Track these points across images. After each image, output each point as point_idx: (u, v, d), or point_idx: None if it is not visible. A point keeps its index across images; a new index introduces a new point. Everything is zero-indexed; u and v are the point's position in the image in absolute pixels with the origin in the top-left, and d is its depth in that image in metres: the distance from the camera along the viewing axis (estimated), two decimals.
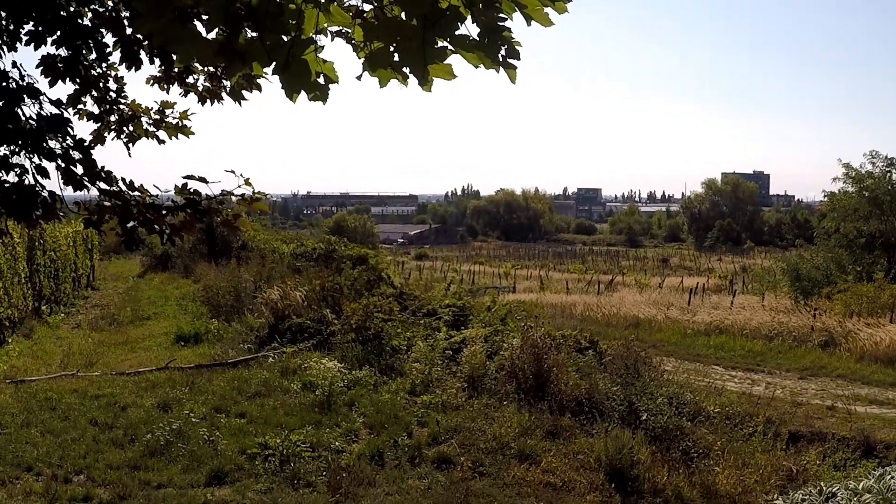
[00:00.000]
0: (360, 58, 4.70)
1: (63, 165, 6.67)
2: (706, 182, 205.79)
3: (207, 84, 9.73)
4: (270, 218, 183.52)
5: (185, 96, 9.80)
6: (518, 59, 4.43)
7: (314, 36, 4.69)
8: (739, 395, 24.59)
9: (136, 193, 6.76)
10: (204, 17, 4.51)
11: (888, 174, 53.82)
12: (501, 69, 4.45)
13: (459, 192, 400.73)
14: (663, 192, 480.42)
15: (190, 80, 9.72)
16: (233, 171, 6.88)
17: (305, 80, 4.49)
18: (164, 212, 6.70)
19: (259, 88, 8.91)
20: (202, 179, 6.68)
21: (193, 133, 9.84)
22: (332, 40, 7.15)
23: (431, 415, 17.74)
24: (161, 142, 9.80)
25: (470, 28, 4.32)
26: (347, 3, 5.67)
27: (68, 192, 6.80)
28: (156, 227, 6.62)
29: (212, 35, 4.50)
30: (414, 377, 20.46)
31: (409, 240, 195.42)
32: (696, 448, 17.55)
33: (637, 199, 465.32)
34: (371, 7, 4.77)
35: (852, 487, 12.78)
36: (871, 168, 54.24)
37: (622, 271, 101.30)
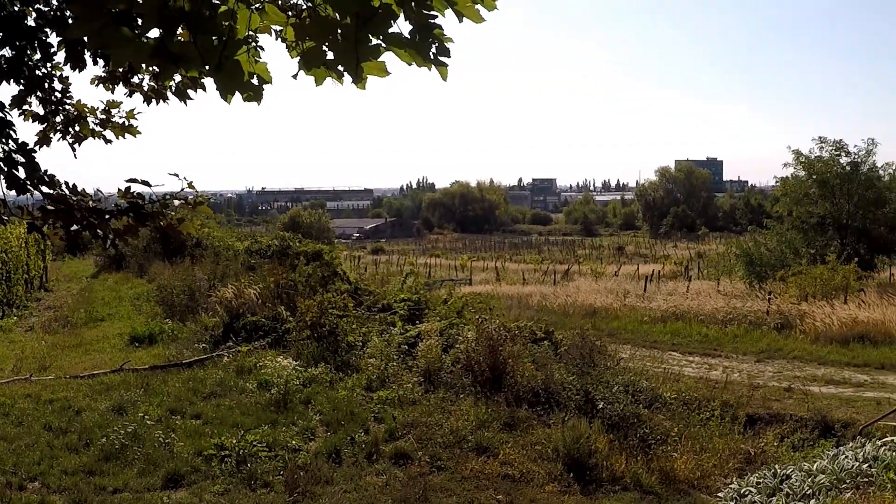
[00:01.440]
0: (293, 57, 4.69)
1: (6, 169, 6.60)
2: (660, 170, 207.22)
3: (153, 84, 9.68)
4: (225, 215, 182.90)
5: (131, 96, 9.75)
6: (448, 56, 4.44)
7: (257, 35, 4.66)
8: (697, 381, 24.74)
9: (79, 198, 6.70)
10: (139, 20, 4.46)
11: (837, 158, 54.46)
12: (433, 67, 4.45)
13: (415, 185, 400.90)
14: (618, 181, 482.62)
15: (135, 80, 9.67)
16: (176, 175, 6.83)
17: (239, 81, 4.46)
18: (107, 216, 6.64)
19: (204, 88, 8.87)
20: (145, 183, 6.63)
21: (140, 132, 9.79)
22: (277, 39, 7.13)
23: (388, 410, 17.73)
24: (108, 141, 9.73)
25: (402, 26, 4.32)
26: (281, 2, 5.62)
27: (12, 195, 6.74)
28: (99, 231, 6.56)
29: (154, 34, 4.46)
30: (370, 373, 20.45)
31: (365, 234, 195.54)
32: (653, 435, 17.68)
33: (591, 188, 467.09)
34: (305, 6, 4.75)
35: (806, 469, 12.89)
36: (820, 153, 54.93)
37: (578, 260, 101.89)
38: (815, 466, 12.84)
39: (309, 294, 25.60)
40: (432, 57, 4.39)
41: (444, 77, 4.50)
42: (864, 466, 12.10)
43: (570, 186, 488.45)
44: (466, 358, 20.04)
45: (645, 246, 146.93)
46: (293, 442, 15.82)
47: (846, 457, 12.87)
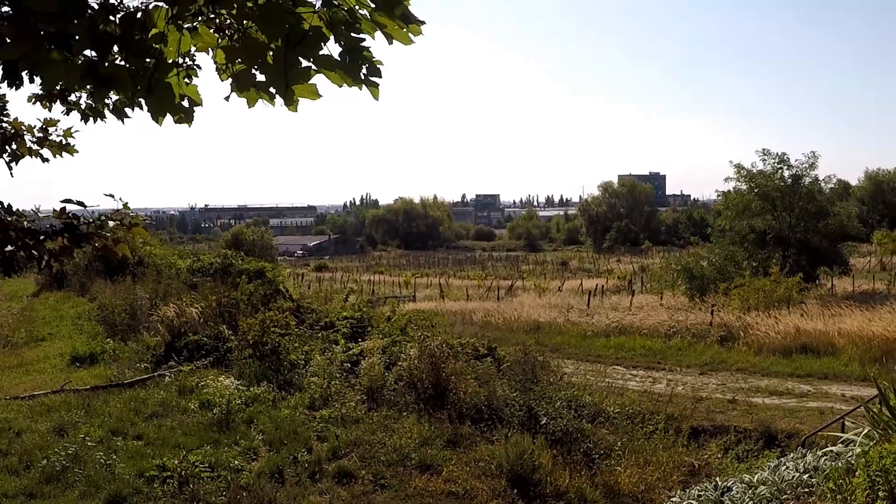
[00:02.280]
0: (223, 80, 4.67)
1: None
2: (603, 184, 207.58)
3: (90, 102, 9.58)
4: (167, 232, 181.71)
5: (68, 114, 9.64)
6: (379, 76, 4.44)
7: (195, 54, 4.64)
8: (641, 394, 24.92)
9: (14, 217, 6.62)
10: (72, 41, 4.43)
11: (779, 170, 55.00)
12: (365, 87, 4.45)
13: (358, 202, 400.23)
14: (561, 196, 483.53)
15: (72, 97, 9.57)
16: (111, 195, 6.78)
17: (170, 103, 4.46)
18: (41, 237, 6.56)
19: (141, 106, 8.80)
20: (80, 203, 6.57)
21: (77, 151, 9.71)
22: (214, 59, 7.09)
23: (331, 429, 17.68)
24: (45, 160, 9.65)
25: (333, 48, 4.31)
26: (219, 21, 5.60)
27: None
28: (34, 252, 6.49)
29: (93, 54, 4.43)
30: (312, 392, 20.36)
31: (308, 251, 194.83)
32: (597, 449, 17.74)
33: (535, 203, 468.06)
34: (236, 28, 4.74)
35: (747, 480, 12.97)
36: (763, 165, 55.52)
37: (522, 276, 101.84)
38: (755, 478, 12.91)
39: (251, 312, 25.49)
40: (363, 77, 4.39)
41: (375, 97, 4.50)
42: (805, 477, 12.18)
43: (514, 202, 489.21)
44: (409, 375, 20.05)
45: (588, 261, 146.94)
46: (235, 462, 15.74)
47: (787, 468, 12.95)
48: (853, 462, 11.81)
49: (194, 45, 4.87)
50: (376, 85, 4.47)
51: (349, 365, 22.17)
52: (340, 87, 4.40)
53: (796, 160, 55.64)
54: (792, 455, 14.26)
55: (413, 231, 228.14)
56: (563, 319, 43.88)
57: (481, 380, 20.53)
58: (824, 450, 13.43)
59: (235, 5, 4.33)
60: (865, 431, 13.03)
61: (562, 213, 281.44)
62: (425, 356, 20.01)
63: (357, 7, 4.24)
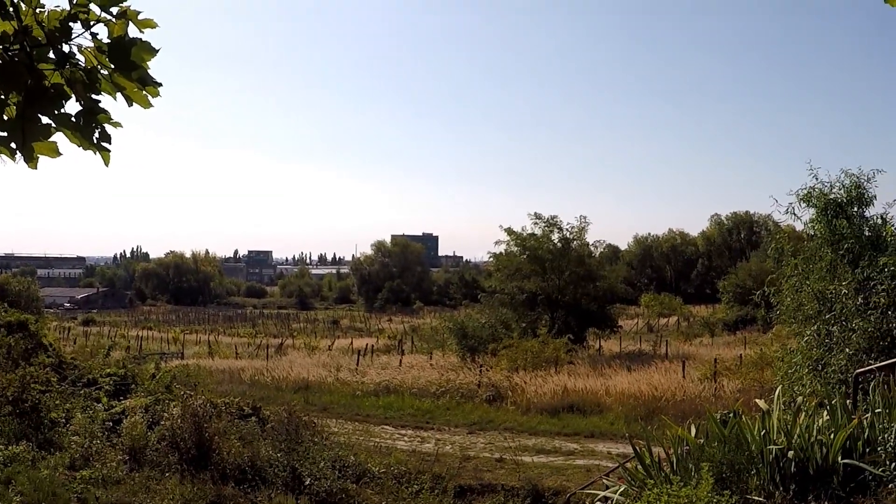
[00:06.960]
0: None
1: None
2: (376, 244, 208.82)
3: None
4: None
5: None
6: (110, 142, 4.39)
7: None
8: (409, 454, 24.97)
9: None
10: None
11: (549, 234, 56.19)
12: (97, 152, 4.37)
13: (129, 255, 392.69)
14: (334, 255, 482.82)
15: None
16: None
17: None
18: None
19: None
20: None
21: None
22: None
23: (91, 490, 17.21)
24: None
25: (74, 108, 4.23)
26: None
27: None
28: None
29: None
30: (73, 451, 19.81)
31: (76, 304, 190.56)
32: None
33: (308, 261, 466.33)
34: None
35: None
36: (534, 228, 56.65)
37: (293, 334, 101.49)
38: None
39: (11, 367, 24.75)
40: (95, 142, 4.31)
41: (106, 163, 4.43)
42: None
43: (287, 259, 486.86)
44: (172, 435, 19.72)
45: (360, 320, 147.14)
46: None
47: None
48: None
49: None
50: (107, 150, 4.40)
51: (111, 423, 21.69)
52: (80, 146, 4.31)
53: (568, 224, 57.05)
54: None
55: (184, 286, 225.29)
56: (332, 378, 43.91)
57: (245, 440, 20.35)
58: None
59: None
60: (622, 489, 13.35)
61: (334, 271, 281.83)
62: (188, 415, 19.73)
63: (99, 67, 4.17)
